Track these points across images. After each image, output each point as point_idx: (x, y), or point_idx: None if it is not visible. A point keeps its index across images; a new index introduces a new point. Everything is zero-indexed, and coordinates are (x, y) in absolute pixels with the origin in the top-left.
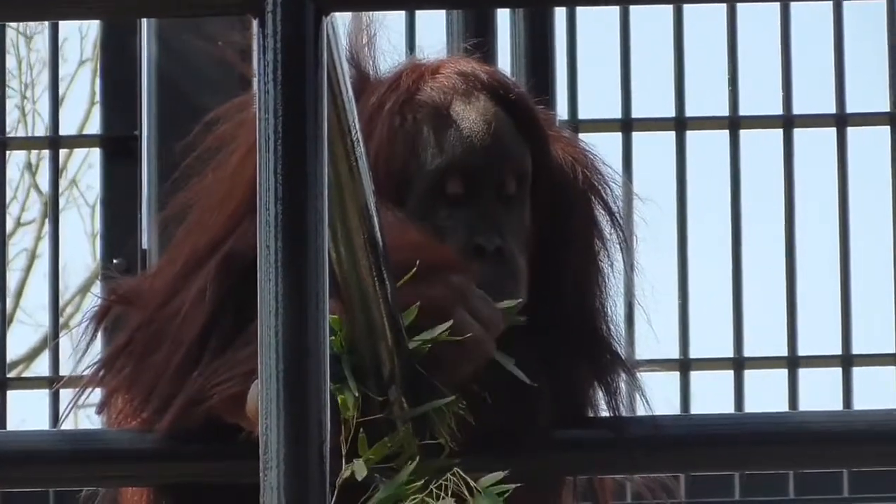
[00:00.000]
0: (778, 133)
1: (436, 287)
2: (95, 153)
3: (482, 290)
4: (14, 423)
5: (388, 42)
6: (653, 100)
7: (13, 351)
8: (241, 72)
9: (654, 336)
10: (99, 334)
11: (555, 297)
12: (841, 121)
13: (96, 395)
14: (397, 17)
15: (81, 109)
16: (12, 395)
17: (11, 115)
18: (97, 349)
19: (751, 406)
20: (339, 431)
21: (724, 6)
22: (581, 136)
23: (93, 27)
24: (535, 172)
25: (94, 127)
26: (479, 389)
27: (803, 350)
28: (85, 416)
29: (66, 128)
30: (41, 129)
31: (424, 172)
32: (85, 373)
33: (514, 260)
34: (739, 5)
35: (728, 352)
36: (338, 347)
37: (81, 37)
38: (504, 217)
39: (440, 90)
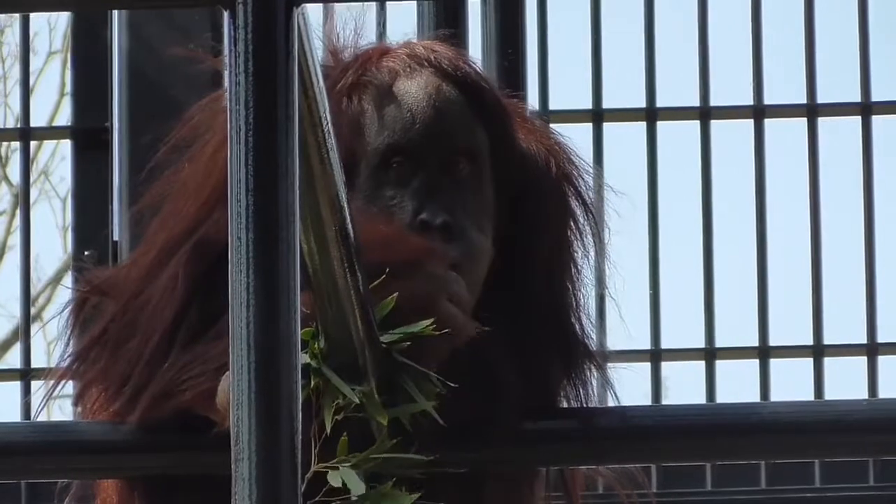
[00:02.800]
0: (749, 123)
1: (416, 281)
2: (66, 145)
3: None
4: None
5: (364, 33)
6: (624, 90)
7: None
8: (213, 64)
9: (625, 327)
10: (78, 325)
11: (527, 287)
12: (812, 111)
13: (71, 386)
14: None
15: (51, 101)
16: None
17: None
18: (74, 340)
19: (722, 396)
20: (319, 429)
21: None
22: (551, 126)
23: (62, 19)
24: (497, 157)
25: (63, 119)
26: (450, 381)
27: (774, 340)
28: (57, 407)
29: (35, 119)
30: (10, 121)
31: (370, 152)
32: (60, 364)
33: (466, 235)
34: None
35: (699, 342)
36: (312, 358)
37: (50, 28)
38: (455, 195)
39: (386, 71)
